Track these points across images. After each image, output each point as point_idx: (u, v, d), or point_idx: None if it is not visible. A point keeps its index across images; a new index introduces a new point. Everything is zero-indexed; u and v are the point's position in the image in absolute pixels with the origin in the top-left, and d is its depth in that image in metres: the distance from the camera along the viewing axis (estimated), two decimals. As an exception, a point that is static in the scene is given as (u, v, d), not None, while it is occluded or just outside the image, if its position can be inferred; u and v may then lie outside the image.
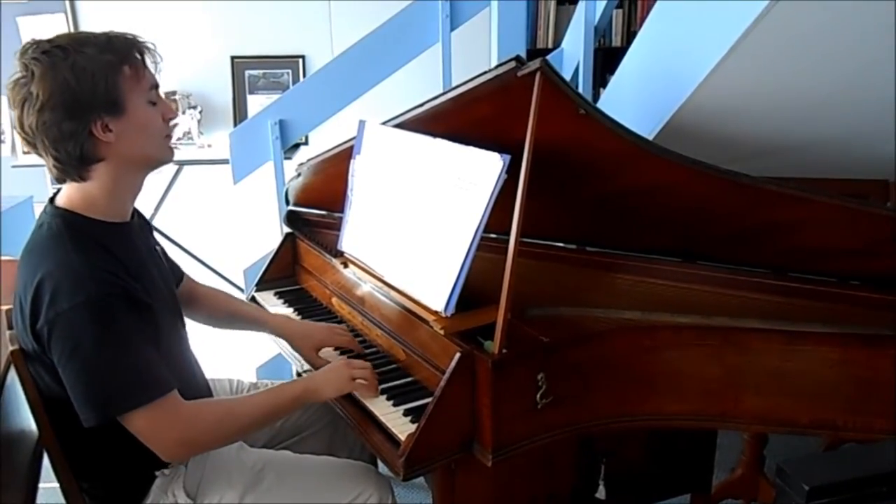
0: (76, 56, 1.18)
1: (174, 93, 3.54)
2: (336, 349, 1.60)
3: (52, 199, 1.30)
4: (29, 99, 1.18)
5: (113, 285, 1.19)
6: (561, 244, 1.78)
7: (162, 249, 1.53)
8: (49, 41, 1.20)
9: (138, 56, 1.26)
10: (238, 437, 1.38)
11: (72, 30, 3.56)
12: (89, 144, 1.22)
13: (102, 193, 1.28)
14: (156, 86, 1.30)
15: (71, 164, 1.23)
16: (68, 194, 1.29)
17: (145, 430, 1.20)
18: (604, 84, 3.46)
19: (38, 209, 3.05)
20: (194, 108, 3.60)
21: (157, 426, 1.21)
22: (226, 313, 1.68)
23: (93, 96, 1.19)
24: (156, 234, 1.56)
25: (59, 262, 1.19)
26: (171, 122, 1.34)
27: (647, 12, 2.07)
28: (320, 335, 1.60)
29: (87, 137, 1.21)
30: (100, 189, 1.27)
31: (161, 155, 1.33)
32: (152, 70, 1.29)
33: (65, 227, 1.24)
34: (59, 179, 1.29)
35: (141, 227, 1.44)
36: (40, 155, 1.25)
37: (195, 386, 1.45)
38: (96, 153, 1.23)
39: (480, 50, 2.77)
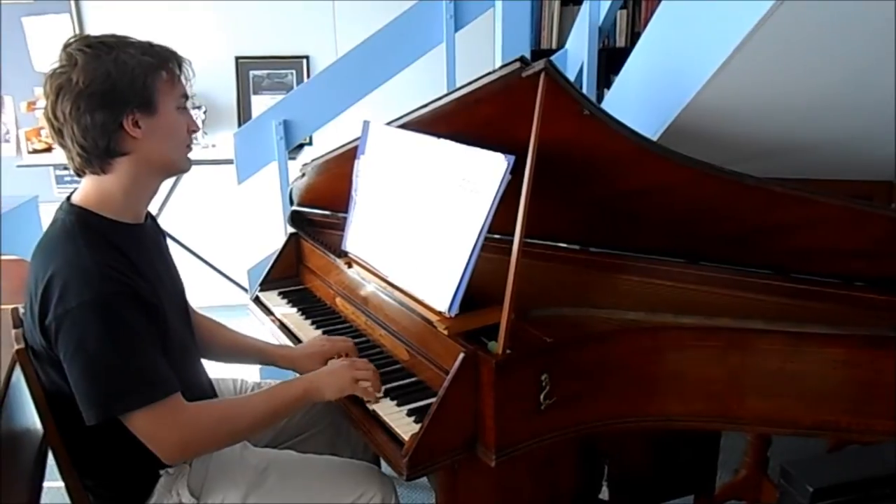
0: (119, 52, 1.23)
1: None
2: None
3: (69, 197, 1.32)
4: (67, 86, 1.21)
5: (122, 284, 1.20)
6: (565, 245, 1.78)
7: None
8: (95, 37, 1.25)
9: (175, 65, 1.31)
10: (239, 439, 1.38)
11: (77, 30, 3.57)
12: (117, 137, 1.25)
13: (119, 191, 1.30)
14: (186, 96, 1.34)
15: (95, 155, 1.25)
16: (85, 191, 1.30)
17: (146, 430, 1.21)
18: (608, 85, 3.46)
19: (44, 209, 3.08)
20: (198, 108, 3.61)
21: (157, 427, 1.21)
22: (225, 344, 1.65)
23: (130, 91, 1.23)
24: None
25: (70, 260, 1.20)
26: (193, 134, 1.37)
27: (652, 13, 2.07)
28: (319, 350, 1.57)
29: (116, 130, 1.24)
30: (117, 186, 1.29)
31: (180, 162, 1.36)
32: (184, 82, 1.33)
33: (78, 224, 1.25)
34: (79, 172, 1.30)
35: (154, 231, 1.46)
36: (63, 144, 1.26)
37: (199, 386, 1.46)
38: (122, 147, 1.26)
39: (485, 51, 2.78)
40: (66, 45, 1.25)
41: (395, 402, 1.37)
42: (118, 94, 1.23)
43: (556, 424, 1.29)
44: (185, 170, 1.38)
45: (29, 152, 3.63)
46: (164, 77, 1.28)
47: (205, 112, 3.64)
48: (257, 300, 1.98)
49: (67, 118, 1.22)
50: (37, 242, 1.28)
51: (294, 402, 1.36)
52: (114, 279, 1.19)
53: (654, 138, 1.95)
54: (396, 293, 1.52)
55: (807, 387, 1.33)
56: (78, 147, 1.24)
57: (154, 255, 1.39)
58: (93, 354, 1.17)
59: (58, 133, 1.25)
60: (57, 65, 1.24)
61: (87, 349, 1.17)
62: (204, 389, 1.48)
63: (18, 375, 1.30)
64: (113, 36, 1.27)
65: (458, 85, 1.39)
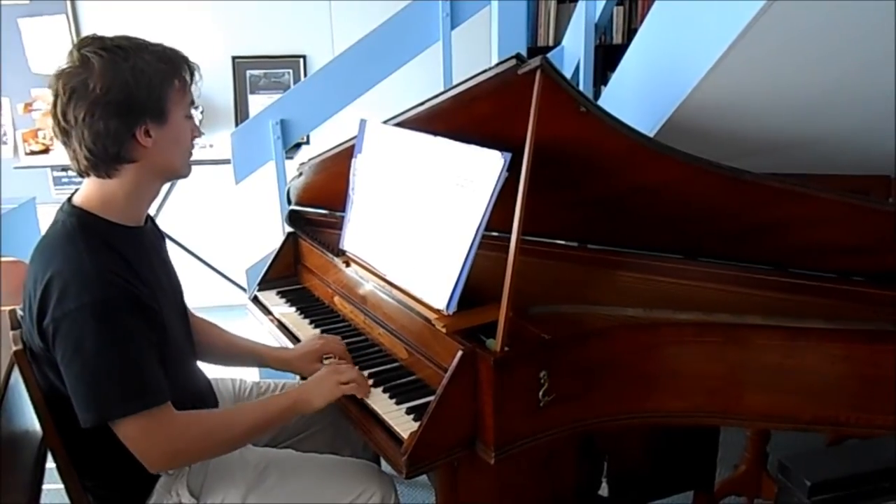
0: (136, 59, 1.22)
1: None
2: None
3: (70, 198, 1.32)
4: (82, 89, 1.19)
5: (120, 288, 1.19)
6: (562, 242, 1.78)
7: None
8: (110, 39, 1.23)
9: (187, 72, 1.30)
10: (228, 450, 1.36)
11: (73, 31, 3.56)
12: (128, 146, 1.24)
13: (121, 194, 1.29)
14: (193, 103, 1.34)
15: (103, 160, 1.25)
16: (86, 194, 1.30)
17: (133, 437, 1.20)
18: (605, 81, 3.46)
19: (41, 210, 3.08)
20: (196, 108, 3.60)
21: (145, 435, 1.21)
22: (221, 346, 1.65)
23: (146, 101, 1.23)
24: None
25: (70, 262, 1.20)
26: (195, 139, 1.37)
27: (648, 9, 2.07)
28: (313, 347, 1.58)
29: (128, 139, 1.24)
30: (120, 190, 1.29)
31: (183, 169, 1.36)
32: (193, 89, 1.33)
33: (79, 226, 1.25)
34: (83, 173, 1.29)
35: (154, 234, 1.46)
36: (68, 144, 1.25)
37: (197, 389, 1.46)
38: (131, 155, 1.26)
39: (481, 48, 2.77)
40: (81, 46, 1.22)
41: (394, 400, 1.37)
42: (134, 104, 1.22)
43: (556, 421, 1.29)
44: (186, 175, 1.39)
45: (26, 154, 3.62)
46: (176, 86, 1.27)
47: (202, 112, 3.64)
48: (256, 300, 1.98)
49: (79, 122, 1.21)
50: (36, 243, 1.28)
51: (283, 413, 1.36)
52: (113, 283, 1.19)
53: (651, 135, 1.95)
54: (394, 291, 1.52)
55: (806, 382, 1.33)
56: (86, 151, 1.23)
57: (153, 258, 1.39)
58: (89, 358, 1.17)
59: (64, 133, 1.24)
60: (68, 65, 1.22)
61: (84, 352, 1.16)
62: (202, 392, 1.48)
63: (17, 377, 1.30)
64: (126, 38, 1.25)
65: (454, 83, 1.39)
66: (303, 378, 1.61)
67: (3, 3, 3.48)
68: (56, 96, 1.22)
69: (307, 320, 1.80)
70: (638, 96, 2.10)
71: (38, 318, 1.20)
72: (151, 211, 1.44)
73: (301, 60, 3.77)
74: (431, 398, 1.25)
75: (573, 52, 2.94)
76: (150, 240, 1.41)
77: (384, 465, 1.51)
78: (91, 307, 1.16)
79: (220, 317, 1.71)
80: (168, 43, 1.31)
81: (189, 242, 3.56)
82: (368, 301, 1.67)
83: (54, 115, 1.24)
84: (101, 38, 1.24)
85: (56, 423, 1.28)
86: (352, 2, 3.66)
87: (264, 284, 2.02)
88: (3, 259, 2.41)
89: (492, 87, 1.30)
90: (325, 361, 1.56)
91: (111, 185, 1.28)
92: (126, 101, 1.21)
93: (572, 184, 1.50)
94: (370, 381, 1.43)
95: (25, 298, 1.27)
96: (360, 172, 1.71)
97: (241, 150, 2.49)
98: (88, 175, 1.29)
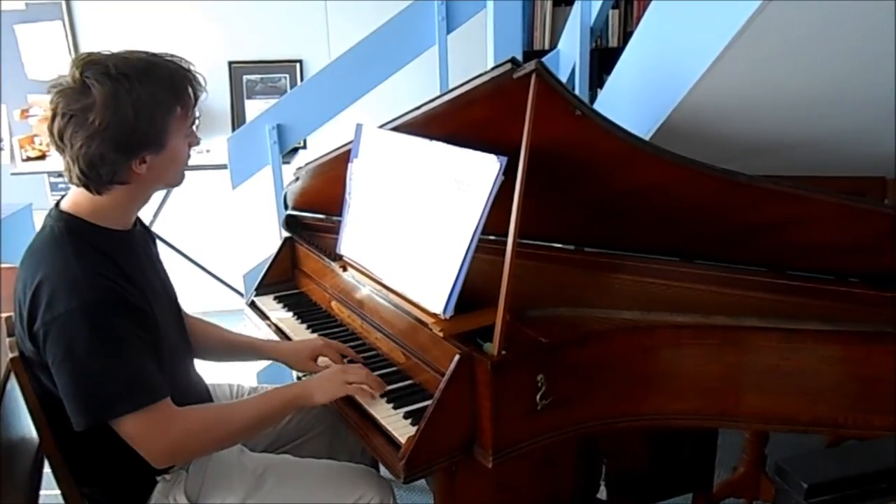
0: (139, 89, 1.19)
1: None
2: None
3: (58, 203, 1.31)
4: (80, 118, 1.17)
5: (110, 291, 1.20)
6: (559, 245, 1.78)
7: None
8: (114, 64, 1.19)
9: (191, 94, 1.29)
10: (230, 443, 1.38)
11: (69, 37, 3.56)
12: (123, 173, 1.24)
13: (111, 205, 1.29)
14: (196, 119, 1.34)
15: (95, 181, 1.24)
16: (75, 199, 1.29)
17: (135, 435, 1.21)
18: (600, 85, 3.46)
19: (38, 216, 3.07)
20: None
21: (146, 432, 1.21)
22: (219, 344, 1.65)
23: (146, 136, 1.22)
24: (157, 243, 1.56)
25: (58, 267, 1.20)
26: (192, 147, 1.37)
27: (643, 12, 2.08)
28: (311, 345, 1.59)
29: (123, 168, 1.23)
30: (110, 202, 1.29)
31: (176, 181, 1.37)
32: (196, 110, 1.33)
33: (67, 231, 1.25)
34: (75, 184, 1.29)
35: (143, 236, 1.45)
36: (61, 155, 1.24)
37: (195, 392, 1.46)
38: (124, 179, 1.26)
39: (477, 52, 2.78)
40: (83, 68, 1.18)
41: (391, 404, 1.37)
42: (134, 140, 1.21)
43: (554, 424, 1.29)
44: (178, 184, 1.39)
45: (23, 160, 3.62)
46: (178, 114, 1.26)
47: (198, 117, 3.63)
48: (253, 305, 1.97)
49: (74, 147, 1.19)
50: (25, 249, 1.28)
51: (284, 406, 1.36)
52: (102, 286, 1.19)
53: (648, 137, 1.96)
54: (392, 296, 1.52)
55: (803, 383, 1.34)
56: (78, 171, 1.22)
57: (143, 260, 1.39)
58: (80, 360, 1.17)
59: (59, 149, 1.23)
60: (67, 84, 1.19)
61: (74, 355, 1.17)
62: (200, 395, 1.48)
63: (13, 384, 1.30)
64: (130, 63, 1.21)
65: (450, 87, 1.39)
66: (299, 375, 1.61)
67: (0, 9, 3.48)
68: (54, 114, 1.20)
69: (304, 325, 1.79)
70: (634, 99, 2.11)
71: (29, 324, 1.20)
72: (148, 216, 1.44)
73: (297, 65, 3.77)
74: (429, 402, 1.24)
75: (569, 56, 2.95)
76: (138, 242, 1.40)
77: (382, 470, 1.51)
78: (80, 310, 1.16)
79: (217, 322, 1.71)
80: (174, 54, 1.29)
81: (186, 247, 3.55)
82: (365, 305, 1.67)
83: (50, 131, 1.22)
84: (105, 63, 1.19)
85: (52, 429, 1.28)
86: (348, 5, 3.66)
87: (261, 289, 2.01)
88: (2, 266, 2.40)
89: (487, 91, 1.30)
90: (320, 361, 1.56)
91: (101, 197, 1.28)
92: (125, 137, 1.20)
93: (568, 187, 1.50)
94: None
95: (15, 304, 1.27)
96: (357, 177, 1.71)
97: (238, 155, 2.49)
98: (79, 187, 1.29)
